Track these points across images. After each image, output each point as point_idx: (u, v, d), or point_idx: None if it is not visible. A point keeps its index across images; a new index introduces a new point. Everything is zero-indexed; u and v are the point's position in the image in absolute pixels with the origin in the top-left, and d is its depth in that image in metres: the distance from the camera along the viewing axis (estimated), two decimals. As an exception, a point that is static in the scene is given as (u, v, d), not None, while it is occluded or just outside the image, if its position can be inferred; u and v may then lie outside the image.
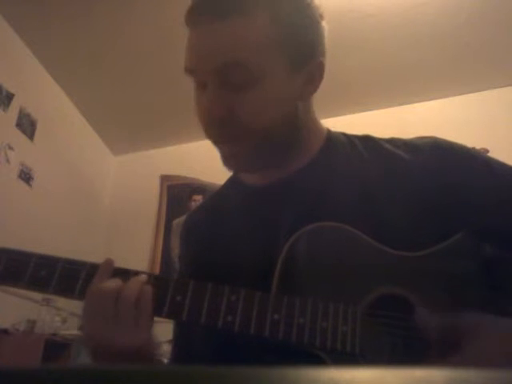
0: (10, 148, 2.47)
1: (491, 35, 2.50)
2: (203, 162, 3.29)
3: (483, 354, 0.45)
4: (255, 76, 0.57)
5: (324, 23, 0.63)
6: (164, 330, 0.75)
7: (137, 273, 0.54)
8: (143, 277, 0.53)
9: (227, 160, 0.63)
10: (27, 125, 2.63)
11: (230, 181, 0.76)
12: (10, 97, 2.49)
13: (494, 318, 0.48)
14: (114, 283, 0.52)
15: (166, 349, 0.75)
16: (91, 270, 0.54)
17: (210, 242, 0.68)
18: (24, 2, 2.37)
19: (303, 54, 0.61)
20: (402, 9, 2.37)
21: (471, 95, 2.91)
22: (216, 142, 0.63)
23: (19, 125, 2.56)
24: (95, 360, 0.53)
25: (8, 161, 2.44)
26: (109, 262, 0.54)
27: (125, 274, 0.54)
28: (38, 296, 2.31)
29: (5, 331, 2.12)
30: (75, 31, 2.55)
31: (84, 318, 0.52)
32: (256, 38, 0.57)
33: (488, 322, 0.48)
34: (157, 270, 3.02)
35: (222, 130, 0.60)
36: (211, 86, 0.58)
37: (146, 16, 2.45)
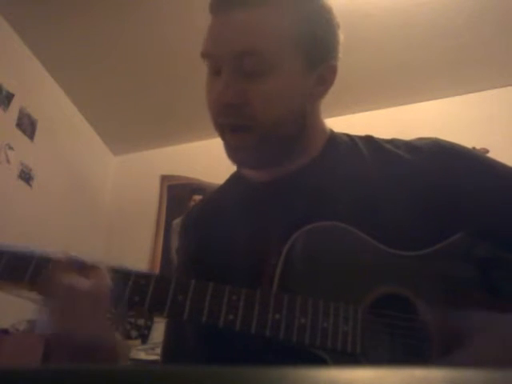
0: (10, 148, 2.47)
1: (491, 35, 2.50)
2: (203, 162, 3.29)
3: (485, 351, 0.45)
4: (270, 66, 0.58)
5: (340, 32, 0.65)
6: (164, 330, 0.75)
7: (93, 266, 0.53)
8: (101, 270, 0.52)
9: (233, 152, 0.63)
10: (27, 125, 2.63)
11: (232, 177, 0.77)
12: (9, 97, 2.49)
13: (495, 315, 0.48)
14: (71, 276, 0.51)
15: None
16: (42, 259, 0.53)
17: (209, 238, 0.68)
18: (24, 2, 2.37)
19: (318, 54, 0.63)
20: (402, 9, 2.37)
21: (471, 95, 2.91)
22: (223, 133, 0.63)
23: (19, 125, 2.56)
24: (58, 359, 0.53)
25: (8, 161, 2.44)
26: (65, 255, 0.53)
27: (83, 267, 0.53)
28: (37, 296, 2.30)
29: (5, 331, 2.12)
30: (75, 31, 2.55)
31: (42, 313, 0.52)
32: (275, 29, 0.59)
33: (489, 319, 0.48)
34: (157, 270, 3.02)
35: (233, 117, 0.60)
36: (226, 72, 0.59)
37: (146, 16, 2.45)
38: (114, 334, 0.55)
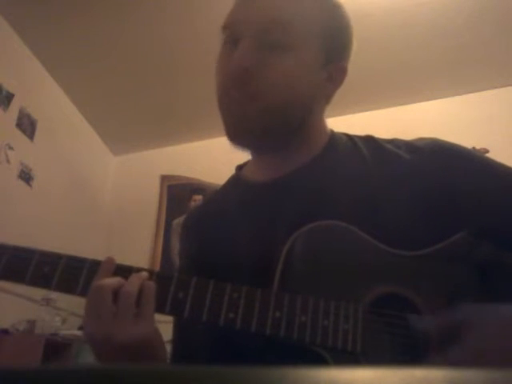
0: (10, 148, 2.47)
1: (491, 35, 2.50)
2: (203, 162, 3.30)
3: (485, 350, 0.45)
4: (293, 43, 0.60)
5: (354, 39, 0.68)
6: (164, 330, 0.75)
7: (138, 270, 0.54)
8: (144, 274, 0.53)
9: (236, 125, 0.62)
10: (27, 125, 2.63)
11: (232, 179, 0.77)
12: (9, 97, 2.49)
13: (494, 314, 0.48)
14: (114, 280, 0.52)
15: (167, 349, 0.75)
16: (93, 266, 0.54)
17: (210, 240, 0.68)
18: (24, 2, 2.37)
19: (334, 50, 0.64)
20: (402, 9, 2.37)
21: (471, 95, 2.91)
22: (230, 104, 0.62)
23: (19, 125, 2.56)
24: (98, 357, 0.53)
25: (8, 161, 2.44)
26: (110, 260, 0.54)
27: (127, 271, 0.54)
28: (37, 296, 2.31)
29: (5, 331, 2.12)
30: (75, 31, 2.55)
31: (85, 316, 0.52)
32: (303, 9, 0.62)
33: (488, 318, 0.48)
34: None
35: (246, 86, 0.59)
36: (248, 41, 0.60)
37: (146, 16, 2.45)
38: (161, 336, 0.56)
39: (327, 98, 0.69)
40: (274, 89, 0.59)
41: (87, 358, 2.29)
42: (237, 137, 0.63)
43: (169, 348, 0.73)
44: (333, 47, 0.64)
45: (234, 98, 0.61)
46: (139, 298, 0.51)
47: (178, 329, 0.70)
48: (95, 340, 0.51)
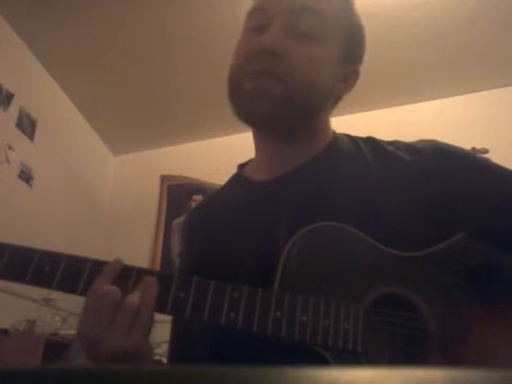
0: (10, 148, 2.47)
1: (491, 35, 2.50)
2: (203, 162, 3.29)
3: (484, 350, 0.45)
4: (322, 32, 0.61)
5: (366, 44, 0.70)
6: (165, 330, 0.75)
7: (140, 271, 0.53)
8: (152, 280, 0.52)
9: (252, 100, 0.61)
10: (27, 125, 2.63)
11: (233, 178, 0.76)
12: (9, 97, 2.49)
13: (494, 314, 0.48)
14: (118, 291, 0.51)
15: (165, 349, 0.75)
16: (95, 266, 0.54)
17: (212, 240, 0.68)
18: (24, 2, 2.37)
19: (352, 51, 0.67)
20: (402, 9, 2.37)
21: (471, 95, 2.91)
22: (246, 80, 0.61)
23: (19, 125, 2.56)
24: (88, 359, 0.53)
25: (8, 161, 2.44)
26: (118, 262, 0.54)
27: (129, 271, 0.53)
28: (37, 296, 2.31)
29: (5, 331, 2.12)
30: (75, 31, 2.55)
31: (82, 316, 0.52)
32: (333, 3, 0.64)
33: (488, 318, 0.48)
34: (157, 270, 3.02)
35: (266, 60, 0.60)
36: (278, 25, 0.60)
37: (146, 16, 2.45)
38: (151, 346, 0.55)
39: (337, 99, 0.70)
40: (300, 73, 0.60)
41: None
42: (248, 117, 0.63)
43: (166, 347, 0.73)
44: (352, 47, 0.66)
45: (257, 70, 0.60)
46: (138, 311, 0.50)
47: (177, 328, 0.70)
48: (86, 341, 0.51)
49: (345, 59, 0.65)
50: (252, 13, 0.65)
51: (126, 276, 0.53)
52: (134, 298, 0.51)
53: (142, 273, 0.53)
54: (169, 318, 0.58)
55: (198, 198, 3.19)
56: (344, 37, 0.64)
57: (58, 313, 2.41)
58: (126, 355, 0.49)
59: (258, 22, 0.63)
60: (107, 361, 0.50)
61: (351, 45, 0.66)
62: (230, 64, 0.65)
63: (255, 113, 0.61)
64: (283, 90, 0.60)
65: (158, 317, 0.53)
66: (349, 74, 0.67)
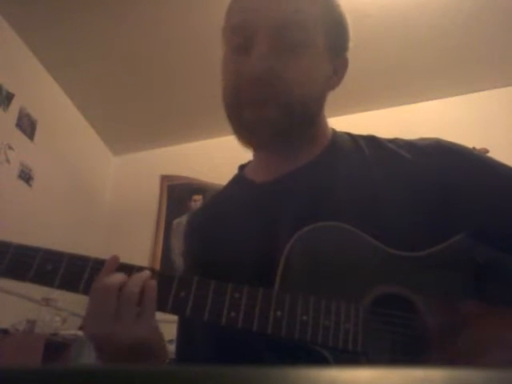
0: (10, 148, 2.47)
1: (491, 35, 2.50)
2: (203, 161, 3.29)
3: (484, 350, 0.45)
4: (307, 42, 0.61)
5: (350, 29, 0.69)
6: (165, 330, 0.75)
7: (140, 268, 0.54)
8: (146, 273, 0.53)
9: (251, 129, 0.61)
10: (27, 125, 2.63)
11: (235, 178, 0.76)
12: (10, 97, 2.49)
13: (494, 314, 0.48)
14: (116, 278, 0.51)
15: (168, 348, 0.75)
16: (96, 265, 0.54)
17: (214, 240, 0.68)
18: (24, 2, 2.37)
19: (338, 45, 0.66)
20: (402, 9, 2.37)
21: (471, 95, 2.91)
22: (242, 110, 0.61)
23: (19, 125, 2.56)
24: (100, 356, 0.53)
25: (8, 161, 2.44)
26: (114, 259, 0.54)
27: (129, 269, 0.54)
28: (38, 296, 2.31)
29: (5, 331, 2.12)
30: (75, 31, 2.55)
31: (86, 315, 0.52)
32: (311, 6, 0.63)
33: (488, 318, 0.48)
34: (157, 270, 3.02)
35: (261, 89, 0.59)
36: (262, 44, 0.59)
37: (145, 16, 2.45)
38: (162, 336, 0.56)
39: (331, 90, 0.70)
40: (297, 89, 0.60)
41: (87, 358, 2.29)
42: (250, 143, 0.63)
43: (171, 346, 0.73)
44: (337, 38, 0.66)
45: (253, 99, 0.60)
46: (141, 298, 0.51)
47: (182, 327, 0.70)
48: (96, 340, 0.51)
49: (332, 53, 0.65)
50: (233, 30, 0.63)
51: (126, 273, 0.53)
52: (132, 285, 0.51)
53: (141, 270, 0.54)
54: (173, 317, 0.58)
55: (198, 197, 3.19)
56: (327, 32, 0.64)
57: (58, 313, 2.41)
58: (138, 345, 0.50)
59: (240, 42, 0.62)
60: (119, 356, 0.50)
61: (336, 37, 0.66)
62: (222, 84, 0.65)
63: (257, 141, 0.63)
64: (282, 110, 0.60)
65: (162, 316, 0.54)
66: (338, 66, 0.68)
